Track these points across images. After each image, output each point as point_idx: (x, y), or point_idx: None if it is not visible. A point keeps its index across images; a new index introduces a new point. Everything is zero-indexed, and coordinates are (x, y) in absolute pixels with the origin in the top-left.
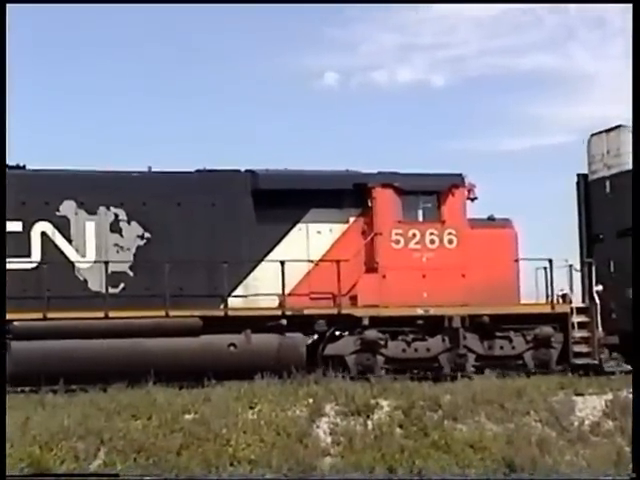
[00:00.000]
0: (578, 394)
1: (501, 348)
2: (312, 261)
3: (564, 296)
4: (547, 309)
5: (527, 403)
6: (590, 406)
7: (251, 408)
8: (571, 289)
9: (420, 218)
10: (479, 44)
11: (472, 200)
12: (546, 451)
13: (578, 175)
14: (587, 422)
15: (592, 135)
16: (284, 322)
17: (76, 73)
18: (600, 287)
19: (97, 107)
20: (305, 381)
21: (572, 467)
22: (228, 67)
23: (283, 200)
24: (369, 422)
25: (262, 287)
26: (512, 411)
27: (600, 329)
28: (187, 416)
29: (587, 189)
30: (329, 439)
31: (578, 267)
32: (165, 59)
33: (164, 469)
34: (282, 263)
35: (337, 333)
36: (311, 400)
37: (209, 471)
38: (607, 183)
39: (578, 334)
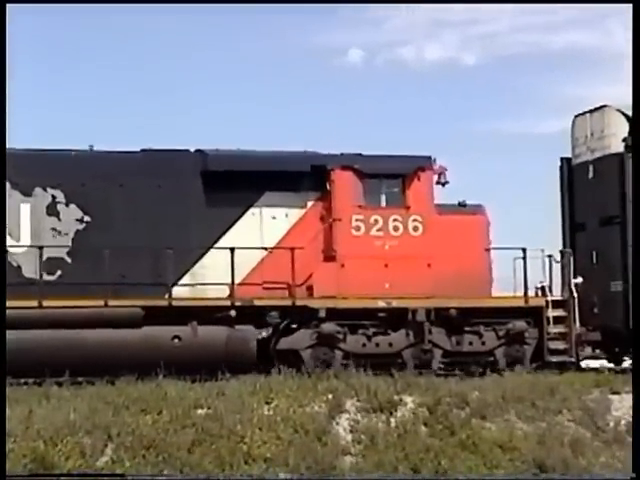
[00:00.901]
0: (614, 392)
1: (470, 344)
2: (266, 248)
3: (543, 289)
4: (520, 302)
5: (560, 401)
6: (627, 405)
7: (267, 403)
8: (550, 281)
9: (383, 203)
10: (511, 21)
11: (443, 185)
12: (579, 452)
13: (561, 159)
14: (624, 422)
15: (576, 116)
16: (233, 313)
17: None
18: (579, 279)
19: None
20: (325, 375)
21: (607, 469)
22: (242, 45)
23: (235, 182)
24: (392, 419)
25: (211, 276)
26: (544, 409)
27: (578, 325)
28: (199, 411)
29: (570, 174)
30: (349, 437)
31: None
32: (179, 39)
33: (175, 467)
34: (232, 250)
35: (295, 326)
36: (331, 395)
37: (222, 469)
38: (590, 168)
39: (554, 329)
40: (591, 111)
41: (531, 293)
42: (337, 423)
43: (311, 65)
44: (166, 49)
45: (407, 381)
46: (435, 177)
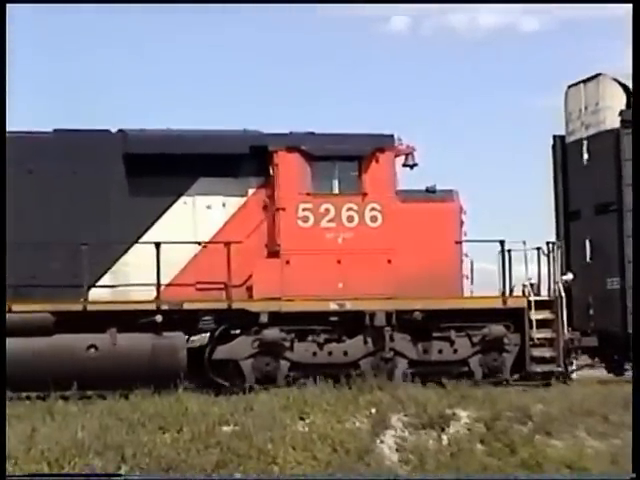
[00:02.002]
0: None
1: (440, 352)
2: (199, 243)
3: (531, 287)
4: (497, 303)
5: None
6: None
7: (302, 419)
8: (539, 278)
9: (335, 189)
10: None
11: (411, 167)
12: None
13: (554, 137)
14: None
15: (569, 87)
16: (159, 319)
17: None
18: (570, 276)
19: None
20: (366, 387)
21: None
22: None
23: (163, 167)
24: (444, 436)
25: (135, 275)
26: (618, 424)
27: (567, 329)
28: (225, 428)
29: (564, 154)
30: (396, 456)
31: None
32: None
33: None
34: (157, 245)
35: (237, 332)
36: (374, 410)
37: None
38: (584, 146)
39: (539, 335)
40: (585, 81)
41: (519, 292)
42: (381, 441)
43: (351, 32)
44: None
45: (461, 393)
46: (400, 159)
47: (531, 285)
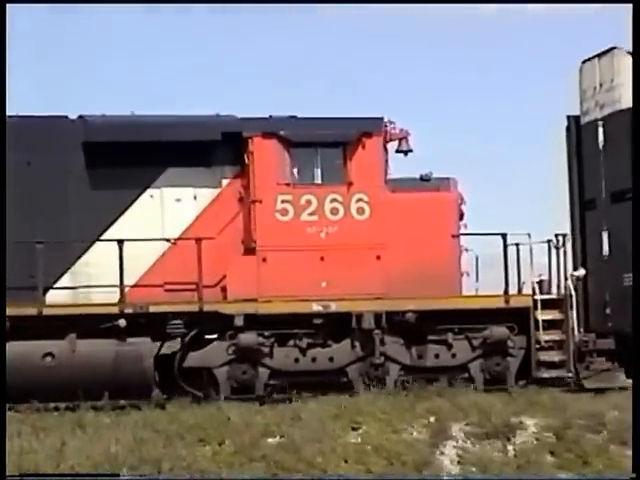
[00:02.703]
0: None
1: (436, 357)
2: (168, 240)
3: (540, 283)
4: (499, 302)
5: None
6: None
7: (354, 429)
8: (550, 274)
9: (317, 179)
10: None
11: (405, 153)
12: None
13: (568, 118)
14: None
15: (583, 62)
16: (122, 323)
17: None
18: (582, 271)
19: None
20: (424, 393)
21: None
22: None
23: (127, 156)
24: (510, 447)
25: (97, 276)
26: None
27: (578, 330)
28: (270, 440)
29: (579, 136)
30: (457, 469)
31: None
32: None
33: None
34: (120, 243)
35: (213, 337)
36: (433, 418)
37: None
38: (599, 128)
39: (546, 336)
40: (600, 55)
41: (529, 290)
42: (441, 452)
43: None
44: None
45: (527, 399)
46: (393, 145)
47: (540, 282)
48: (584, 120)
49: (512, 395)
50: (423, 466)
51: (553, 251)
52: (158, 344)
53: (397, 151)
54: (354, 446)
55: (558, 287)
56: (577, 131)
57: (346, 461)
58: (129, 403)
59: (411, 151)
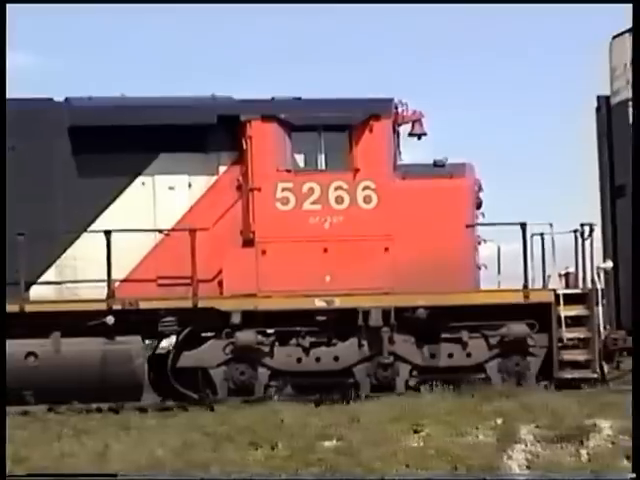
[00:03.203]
0: None
1: (450, 356)
2: (161, 231)
3: (567, 277)
4: (517, 298)
5: None
6: None
7: (415, 432)
8: (577, 267)
9: (321, 165)
10: None
11: (418, 137)
12: None
13: (598, 98)
14: None
15: (614, 37)
16: (111, 320)
17: None
18: (609, 263)
19: None
20: (490, 394)
21: None
22: None
23: (117, 142)
24: (583, 451)
25: (84, 270)
26: None
27: (603, 326)
28: (327, 443)
29: (609, 118)
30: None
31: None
32: None
33: None
34: (108, 234)
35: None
36: (500, 420)
37: None
38: (629, 109)
39: (570, 334)
40: (631, 30)
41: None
42: (509, 456)
43: None
44: None
45: (601, 399)
46: (405, 128)
47: (567, 275)
48: (614, 100)
49: (583, 396)
50: (490, 471)
51: (580, 242)
52: (149, 343)
53: (410, 134)
54: (416, 450)
55: (585, 281)
56: (607, 112)
57: (407, 466)
58: (176, 404)
59: (425, 134)
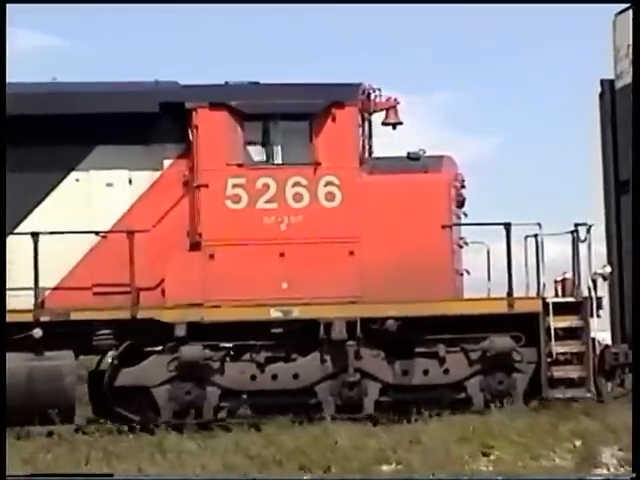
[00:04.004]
0: None
1: (425, 373)
2: (97, 233)
3: (563, 283)
4: (500, 307)
5: None
6: None
7: (484, 455)
8: (574, 271)
9: (277, 159)
10: None
11: (393, 126)
12: None
13: (602, 82)
14: None
15: (617, 14)
16: (38, 333)
17: None
18: (607, 269)
19: None
20: (568, 412)
21: None
22: None
23: (47, 133)
24: None
25: (12, 276)
26: None
27: (599, 339)
28: (385, 467)
29: (613, 104)
30: None
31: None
32: None
33: None
34: (35, 236)
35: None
36: (579, 442)
37: None
38: (632, 94)
39: (562, 348)
40: (633, 5)
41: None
42: None
43: None
44: None
45: None
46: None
47: (564, 281)
48: (618, 84)
49: None
50: None
51: (577, 244)
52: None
53: (383, 123)
54: (484, 475)
55: (578, 287)
56: (612, 98)
57: None
58: (217, 424)
59: (400, 123)
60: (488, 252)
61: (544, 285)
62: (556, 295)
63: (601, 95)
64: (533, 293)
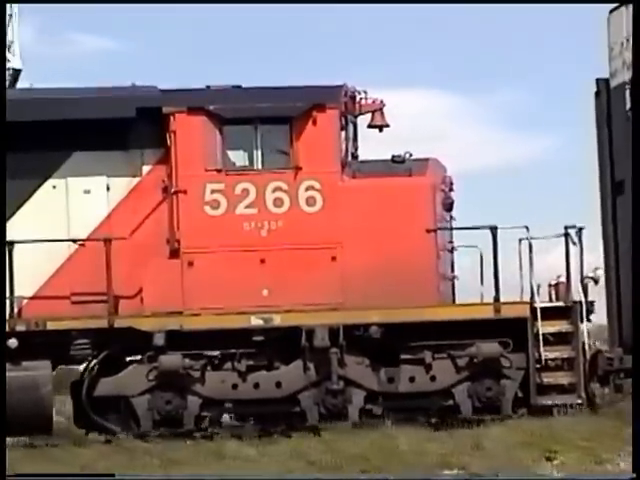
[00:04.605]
0: None
1: (411, 380)
2: (75, 241)
3: (557, 287)
4: (487, 312)
5: None
6: None
7: (549, 460)
8: (568, 275)
9: (257, 163)
10: None
11: (380, 129)
12: None
13: (597, 81)
14: None
15: (611, 11)
16: (13, 344)
17: None
18: (599, 272)
19: None
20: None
21: None
22: None
23: (23, 140)
24: None
25: None
26: None
27: (587, 343)
28: (447, 471)
29: (609, 104)
30: None
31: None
32: None
33: None
34: (10, 245)
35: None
36: None
37: None
38: (626, 93)
39: (551, 354)
40: (628, 1)
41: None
42: None
43: None
44: None
45: None
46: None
47: (557, 285)
48: (612, 84)
49: None
50: None
51: (571, 247)
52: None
53: (369, 126)
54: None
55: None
56: (607, 97)
57: None
58: (278, 430)
59: (387, 126)
60: (481, 256)
61: (538, 288)
62: (550, 299)
63: (597, 94)
64: (527, 298)
